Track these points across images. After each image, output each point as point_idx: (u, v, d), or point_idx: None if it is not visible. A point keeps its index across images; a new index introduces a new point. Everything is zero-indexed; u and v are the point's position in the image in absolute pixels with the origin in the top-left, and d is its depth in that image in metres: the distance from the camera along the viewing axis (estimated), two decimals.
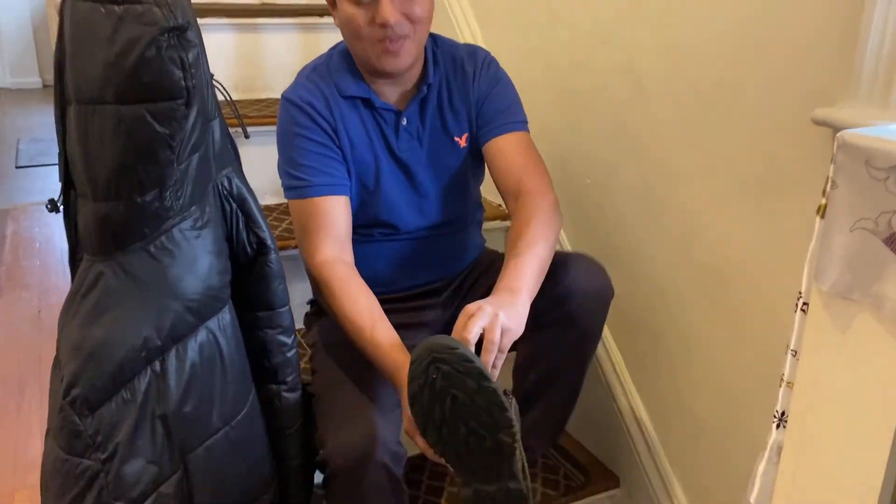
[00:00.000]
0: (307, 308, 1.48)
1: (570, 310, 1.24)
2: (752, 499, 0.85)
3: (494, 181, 1.34)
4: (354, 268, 1.24)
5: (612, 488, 1.63)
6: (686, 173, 1.37)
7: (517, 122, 1.33)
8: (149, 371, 0.95)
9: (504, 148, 1.32)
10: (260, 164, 1.52)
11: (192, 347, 0.98)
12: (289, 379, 1.16)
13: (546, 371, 1.30)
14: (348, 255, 1.25)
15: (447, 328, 1.41)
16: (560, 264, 1.25)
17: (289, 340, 1.15)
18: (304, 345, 1.45)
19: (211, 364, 1.00)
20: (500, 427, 0.98)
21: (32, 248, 3.14)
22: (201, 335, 0.99)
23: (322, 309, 1.42)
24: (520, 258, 1.14)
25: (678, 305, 1.44)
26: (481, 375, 0.95)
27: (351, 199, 1.29)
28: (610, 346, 1.63)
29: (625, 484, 1.62)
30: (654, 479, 1.54)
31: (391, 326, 1.17)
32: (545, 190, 1.27)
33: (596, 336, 1.29)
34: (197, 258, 0.99)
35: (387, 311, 1.36)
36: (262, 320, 1.13)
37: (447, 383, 0.96)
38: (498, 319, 1.02)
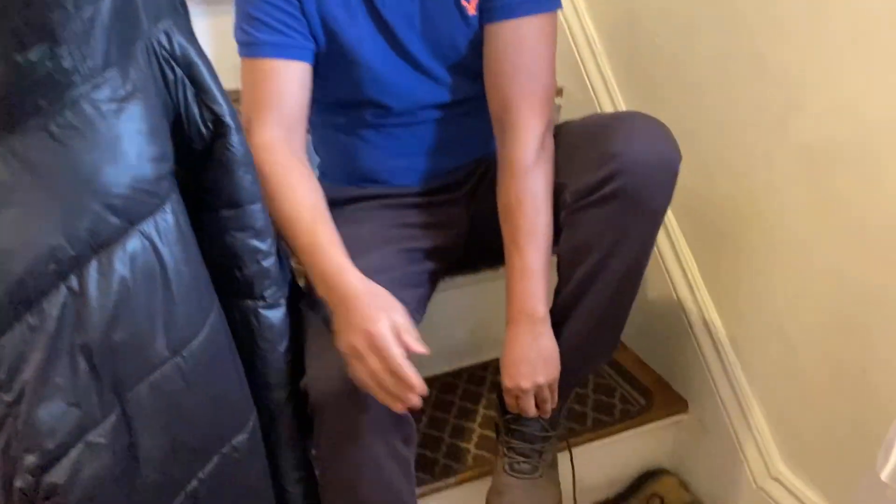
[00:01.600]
0: None
1: (624, 184, 0.94)
2: (886, 475, 0.59)
3: None
4: (302, 156, 1.01)
5: (678, 413, 1.39)
6: (790, 17, 1.04)
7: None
8: (62, 289, 0.73)
9: (498, 38, 1.03)
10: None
11: (121, 258, 0.75)
12: (267, 293, 0.93)
13: (595, 264, 1.00)
14: (297, 138, 1.01)
15: (472, 228, 1.17)
16: (608, 127, 0.97)
17: (263, 246, 0.91)
18: None
19: (149, 279, 0.77)
20: None
21: None
22: (133, 243, 0.76)
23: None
24: (525, 260, 1.00)
25: (767, 195, 1.13)
26: None
27: (324, 69, 1.05)
28: (678, 243, 1.34)
29: (694, 409, 1.38)
30: (730, 405, 1.28)
31: (336, 231, 0.96)
32: (535, 122, 1.01)
33: (657, 218, 0.99)
34: (119, 140, 0.74)
35: (395, 210, 1.11)
36: (227, 221, 0.89)
37: None
38: (544, 390, 1.03)
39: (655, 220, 0.99)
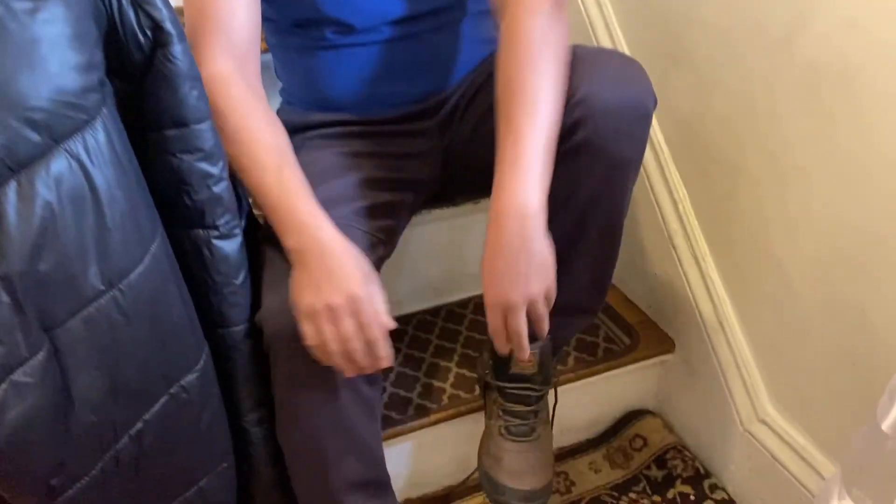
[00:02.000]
0: None
1: (590, 135, 0.86)
2: (887, 425, 0.53)
3: None
4: (259, 88, 0.91)
5: (664, 353, 1.33)
6: None
7: None
8: None
9: None
10: None
11: (44, 181, 0.67)
12: (220, 222, 0.85)
13: (569, 223, 0.94)
14: (250, 69, 0.90)
15: (448, 159, 1.09)
16: (573, 67, 0.87)
17: (214, 170, 0.83)
18: None
19: (77, 204, 0.69)
20: None
21: None
22: (58, 163, 0.68)
23: (289, 127, 1.09)
24: (520, 145, 0.81)
25: (767, 119, 1.05)
26: None
27: None
28: (668, 169, 1.27)
29: (681, 348, 1.32)
30: (718, 344, 1.22)
31: (303, 176, 0.87)
32: None
33: (630, 170, 0.91)
34: (36, 45, 0.65)
35: (362, 138, 1.03)
36: (172, 142, 0.81)
37: None
38: (538, 306, 0.84)
39: (628, 171, 0.91)
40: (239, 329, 0.89)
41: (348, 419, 0.89)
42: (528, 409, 1.07)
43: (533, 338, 0.90)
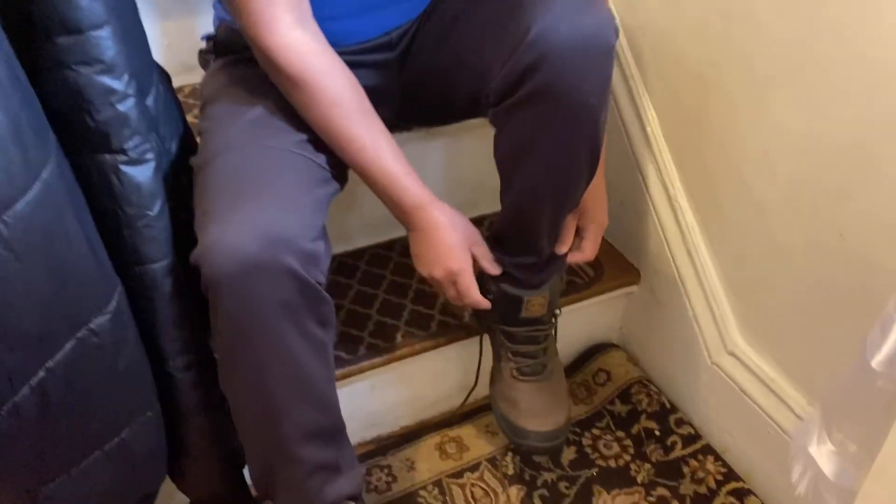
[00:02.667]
0: (202, 45, 1.04)
1: (547, 80, 0.80)
2: (877, 362, 0.46)
3: None
4: (327, 44, 0.86)
5: (629, 284, 1.27)
6: None
7: None
8: None
9: None
10: None
11: None
12: (128, 145, 0.75)
13: (534, 174, 0.90)
14: (310, 18, 0.86)
15: (403, 96, 1.03)
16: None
17: (117, 84, 0.72)
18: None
19: None
20: None
21: None
22: None
23: (231, 46, 0.99)
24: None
25: (744, 22, 0.97)
26: None
27: None
28: (639, 97, 1.18)
29: (647, 279, 1.26)
30: (686, 274, 1.16)
31: (396, 145, 0.89)
32: None
33: (596, 112, 0.84)
34: None
35: None
36: (66, 52, 0.70)
37: None
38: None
39: (593, 115, 0.84)
40: (157, 266, 0.80)
41: (300, 365, 0.81)
42: (538, 346, 1.05)
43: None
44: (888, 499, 0.48)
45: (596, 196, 1.00)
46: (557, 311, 1.07)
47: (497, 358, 1.08)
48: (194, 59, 1.09)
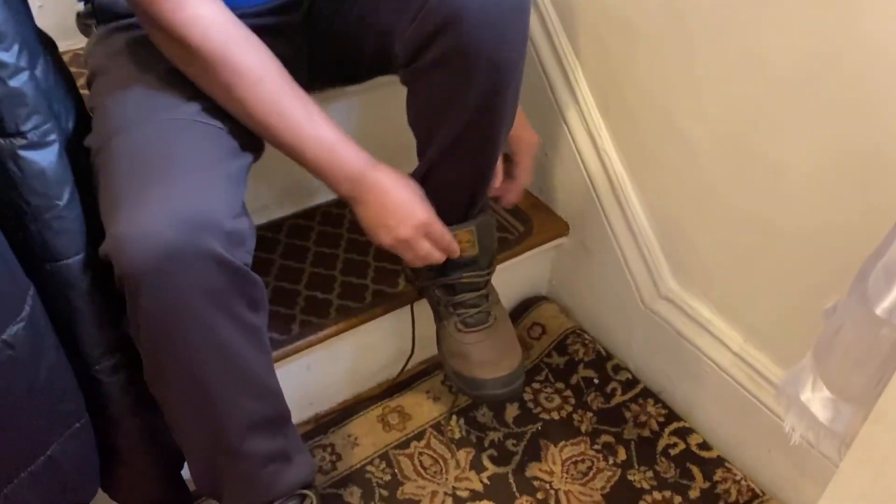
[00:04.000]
0: (79, 6, 0.93)
1: (457, 41, 0.78)
2: (882, 309, 0.45)
3: None
4: (234, 16, 0.78)
5: (558, 237, 1.26)
6: None
7: None
8: None
9: None
10: None
11: None
12: (26, 126, 0.66)
13: (448, 135, 0.87)
14: None
15: (311, 62, 0.97)
16: None
17: (7, 57, 0.63)
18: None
19: None
20: None
21: None
22: None
23: (113, 10, 0.88)
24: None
25: None
26: None
27: None
28: (561, 44, 1.15)
29: (576, 230, 1.25)
30: (616, 223, 1.16)
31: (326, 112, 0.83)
32: None
33: (511, 72, 0.82)
34: None
35: None
36: None
37: None
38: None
39: (508, 75, 0.82)
40: (73, 262, 0.72)
41: (235, 355, 0.75)
42: (479, 293, 1.00)
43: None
44: (888, 442, 0.48)
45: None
46: (494, 257, 1.04)
47: (439, 318, 1.05)
48: (72, 21, 0.97)
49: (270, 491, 0.86)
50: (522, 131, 1.01)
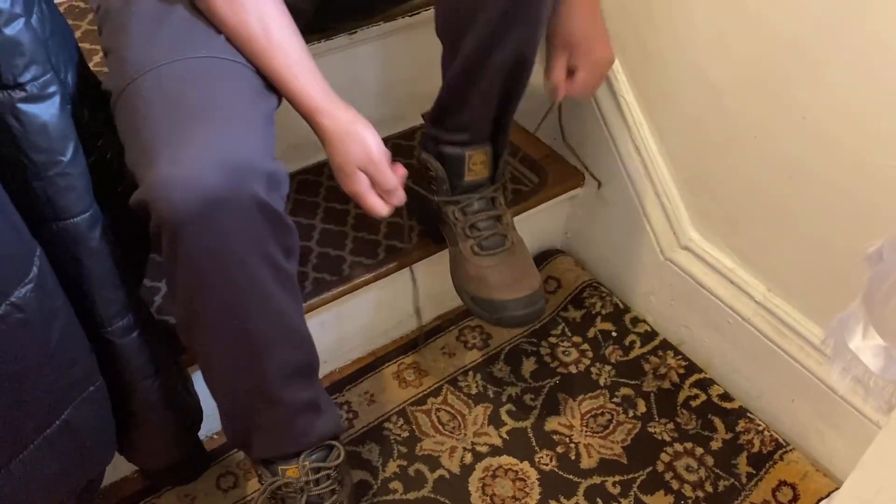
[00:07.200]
0: None
1: None
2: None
3: None
4: None
5: (573, 188, 1.23)
6: None
7: None
8: None
9: None
10: None
11: None
12: (24, 78, 0.62)
13: (480, 41, 0.83)
14: None
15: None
16: None
17: (2, 3, 0.59)
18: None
19: None
20: None
21: None
22: None
23: None
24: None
25: None
26: None
27: None
28: None
29: (591, 180, 1.22)
30: (635, 173, 1.13)
31: (291, 23, 0.79)
32: None
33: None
34: None
35: None
36: None
37: None
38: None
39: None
40: (80, 220, 0.69)
41: (276, 301, 0.74)
42: (492, 215, 0.98)
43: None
44: None
45: (587, 29, 0.93)
46: (501, 172, 1.01)
47: (453, 242, 1.01)
48: None
49: (302, 440, 0.86)
50: (594, 45, 0.95)
